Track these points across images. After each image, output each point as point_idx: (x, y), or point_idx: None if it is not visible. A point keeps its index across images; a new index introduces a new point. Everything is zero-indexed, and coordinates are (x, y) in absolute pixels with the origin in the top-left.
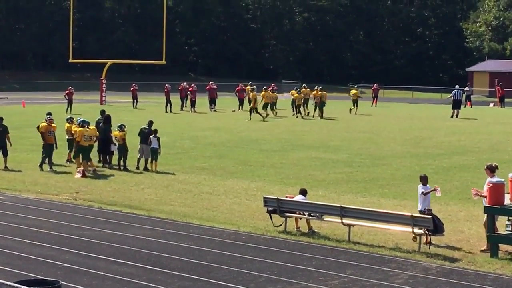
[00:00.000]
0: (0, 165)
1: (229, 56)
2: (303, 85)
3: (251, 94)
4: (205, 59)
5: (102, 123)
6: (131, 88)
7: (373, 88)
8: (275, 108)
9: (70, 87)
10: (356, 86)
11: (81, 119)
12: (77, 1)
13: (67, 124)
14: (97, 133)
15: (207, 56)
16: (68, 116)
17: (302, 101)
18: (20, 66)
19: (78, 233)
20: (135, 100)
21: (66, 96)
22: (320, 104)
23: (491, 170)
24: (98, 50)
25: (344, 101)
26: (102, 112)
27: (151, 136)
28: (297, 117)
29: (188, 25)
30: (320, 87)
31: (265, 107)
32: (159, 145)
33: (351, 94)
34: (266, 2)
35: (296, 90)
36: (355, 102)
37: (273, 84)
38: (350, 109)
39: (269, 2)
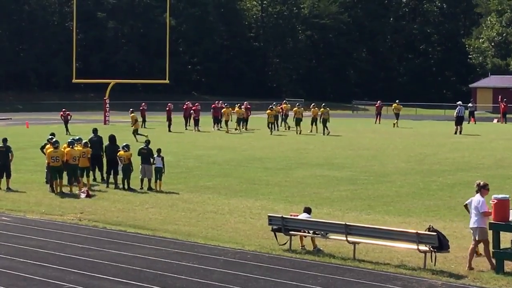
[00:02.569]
0: (3, 185)
1: (232, 75)
2: (284, 100)
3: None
4: (208, 78)
5: (109, 143)
6: (140, 108)
7: (376, 105)
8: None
9: (63, 109)
10: (397, 101)
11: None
12: (80, 21)
13: (76, 144)
14: (81, 153)
15: (211, 75)
16: (77, 137)
17: (283, 116)
18: (23, 87)
19: (82, 253)
20: (143, 121)
21: (62, 117)
22: (323, 121)
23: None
24: (101, 70)
25: (347, 119)
26: (95, 130)
27: (155, 156)
28: (271, 133)
29: (191, 44)
30: (323, 104)
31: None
32: (164, 165)
33: (393, 107)
34: (269, 20)
35: (269, 107)
36: (397, 116)
37: (283, 102)
38: (394, 123)
39: (272, 20)
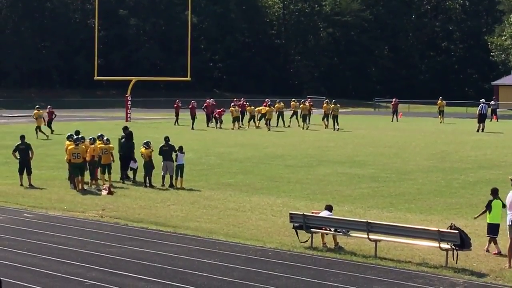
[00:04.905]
0: (25, 182)
1: (254, 72)
2: (293, 98)
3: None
4: (230, 75)
5: (124, 139)
6: (175, 105)
7: (392, 103)
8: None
9: (49, 106)
10: (440, 97)
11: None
12: (102, 19)
13: (98, 141)
14: (103, 149)
15: (232, 72)
16: (99, 134)
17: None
18: (45, 84)
19: (104, 250)
20: (177, 117)
21: (47, 115)
22: (333, 117)
23: None
24: (123, 67)
25: (369, 116)
26: (125, 128)
27: (178, 153)
28: (268, 129)
29: (212, 42)
30: (334, 100)
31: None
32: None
33: (438, 104)
34: (291, 18)
35: (269, 104)
36: (441, 113)
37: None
38: (440, 121)
39: (294, 18)
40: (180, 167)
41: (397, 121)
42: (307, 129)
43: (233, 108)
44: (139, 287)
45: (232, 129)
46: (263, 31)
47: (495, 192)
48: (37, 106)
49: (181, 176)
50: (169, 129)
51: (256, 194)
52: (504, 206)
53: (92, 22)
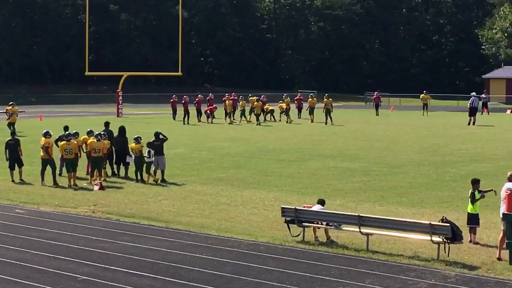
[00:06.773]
0: (16, 178)
1: (245, 67)
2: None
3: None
4: (221, 70)
5: (118, 135)
6: (171, 100)
7: (374, 97)
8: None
9: (11, 102)
10: (424, 91)
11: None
12: (93, 14)
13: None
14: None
15: (223, 67)
16: (89, 129)
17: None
18: (37, 80)
19: (96, 245)
20: (174, 113)
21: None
22: (326, 111)
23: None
24: (114, 62)
25: (360, 110)
26: (106, 124)
27: (150, 149)
28: (257, 124)
29: (203, 37)
30: (326, 94)
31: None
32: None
33: (421, 98)
34: (282, 12)
35: (257, 99)
36: (425, 106)
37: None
38: (423, 113)
39: (284, 12)
40: (150, 163)
41: (377, 115)
42: (290, 123)
43: (228, 102)
44: (131, 282)
45: (230, 123)
46: (254, 25)
47: (472, 182)
48: (11, 102)
49: (148, 172)
50: (161, 124)
51: (247, 189)
52: (472, 196)
53: (83, 18)
